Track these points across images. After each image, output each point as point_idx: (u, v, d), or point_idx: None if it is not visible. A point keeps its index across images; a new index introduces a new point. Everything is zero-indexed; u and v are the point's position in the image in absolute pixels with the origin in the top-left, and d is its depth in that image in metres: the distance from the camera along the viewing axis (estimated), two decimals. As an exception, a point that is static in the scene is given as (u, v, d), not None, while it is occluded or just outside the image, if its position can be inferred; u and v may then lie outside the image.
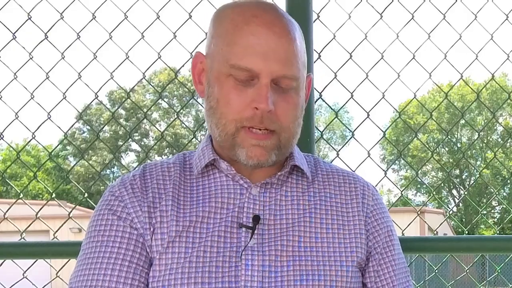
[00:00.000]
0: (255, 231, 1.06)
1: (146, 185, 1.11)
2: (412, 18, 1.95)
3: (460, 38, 2.00)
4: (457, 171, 29.28)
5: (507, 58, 2.02)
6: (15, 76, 1.84)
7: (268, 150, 1.06)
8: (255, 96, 1.03)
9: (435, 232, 2.99)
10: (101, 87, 1.94)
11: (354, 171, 1.73)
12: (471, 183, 27.33)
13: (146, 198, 1.09)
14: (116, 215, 1.07)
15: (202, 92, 1.11)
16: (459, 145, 28.04)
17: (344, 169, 1.22)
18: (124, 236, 1.06)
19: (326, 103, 2.00)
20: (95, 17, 1.85)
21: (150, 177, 1.12)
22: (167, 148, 25.99)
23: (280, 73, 1.04)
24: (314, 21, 1.69)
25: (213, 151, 1.12)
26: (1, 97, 1.84)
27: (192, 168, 1.14)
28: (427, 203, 25.70)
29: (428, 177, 29.60)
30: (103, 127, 3.92)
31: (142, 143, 27.01)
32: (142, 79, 1.95)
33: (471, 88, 3.31)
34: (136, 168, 1.17)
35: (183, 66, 1.91)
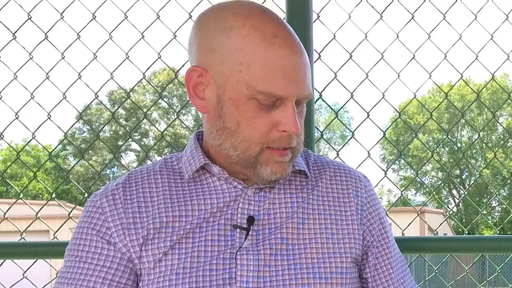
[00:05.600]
0: (250, 232, 1.06)
1: (131, 194, 1.09)
2: (412, 18, 1.95)
3: (460, 38, 2.00)
4: (457, 171, 29.28)
5: (507, 58, 2.02)
6: (15, 76, 1.84)
7: (288, 164, 1.06)
8: (284, 119, 1.00)
9: (435, 232, 2.99)
10: (101, 87, 1.94)
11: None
12: (471, 183, 27.34)
13: (130, 208, 1.07)
14: (96, 229, 1.07)
15: (203, 107, 1.05)
16: (459, 145, 28.05)
17: (334, 160, 1.21)
18: (102, 252, 1.06)
19: (326, 103, 2.01)
20: (95, 17, 1.85)
21: (136, 185, 1.10)
22: (167, 148, 26.00)
23: (304, 94, 1.02)
24: (314, 21, 1.69)
25: (203, 154, 1.10)
26: (1, 97, 1.84)
27: (182, 173, 1.12)
28: (427, 203, 25.70)
29: (428, 177, 29.61)
30: (103, 127, 3.93)
31: (142, 143, 27.02)
32: (142, 79, 1.95)
33: (471, 88, 3.31)
34: (121, 176, 1.15)
35: (183, 66, 1.91)
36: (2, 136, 1.84)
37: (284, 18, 1.60)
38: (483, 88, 2.70)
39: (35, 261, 1.85)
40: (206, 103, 1.04)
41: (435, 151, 24.58)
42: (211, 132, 1.05)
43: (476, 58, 2.04)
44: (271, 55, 0.98)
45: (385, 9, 1.92)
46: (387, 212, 1.90)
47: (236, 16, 1.00)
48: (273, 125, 1.01)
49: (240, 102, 1.00)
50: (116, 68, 1.89)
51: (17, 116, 1.84)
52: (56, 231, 1.81)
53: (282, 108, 1.01)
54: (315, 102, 1.77)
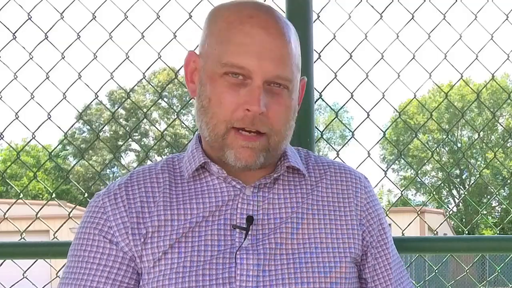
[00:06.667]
0: (249, 232, 1.06)
1: (134, 193, 1.10)
2: (412, 18, 1.95)
3: (460, 38, 2.00)
4: (457, 171, 29.28)
5: (507, 58, 2.02)
6: (15, 76, 1.84)
7: (257, 151, 1.05)
8: (247, 98, 1.02)
9: (435, 232, 2.99)
10: (101, 87, 1.94)
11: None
12: (471, 183, 27.33)
13: (133, 208, 1.08)
14: (98, 228, 1.08)
15: (194, 91, 1.10)
16: (459, 145, 28.05)
17: (334, 161, 1.22)
18: (104, 252, 1.06)
19: (326, 103, 2.01)
20: (95, 17, 1.85)
21: (138, 185, 1.11)
22: (167, 148, 25.99)
23: (273, 73, 1.03)
24: (314, 21, 1.69)
25: (203, 154, 1.11)
26: (1, 97, 1.84)
27: (182, 172, 1.13)
28: (427, 203, 25.70)
29: (428, 177, 29.60)
30: (103, 127, 3.93)
31: (142, 143, 27.02)
32: (142, 79, 1.95)
33: (471, 88, 3.31)
34: (123, 175, 1.16)
35: (183, 66, 1.91)
36: (2, 136, 1.84)
37: (284, 18, 1.60)
38: (483, 88, 2.70)
39: (35, 261, 1.85)
40: (195, 86, 1.10)
41: (435, 151, 24.59)
42: (197, 119, 1.08)
43: (476, 58, 2.04)
44: (240, 32, 1.03)
45: (385, 9, 1.92)
46: (387, 212, 1.90)
47: (227, 6, 1.08)
48: (239, 104, 1.03)
49: (213, 79, 1.04)
50: (116, 68, 1.89)
51: (17, 116, 1.84)
52: (56, 231, 1.81)
53: (249, 87, 1.03)
54: (315, 102, 1.77)
